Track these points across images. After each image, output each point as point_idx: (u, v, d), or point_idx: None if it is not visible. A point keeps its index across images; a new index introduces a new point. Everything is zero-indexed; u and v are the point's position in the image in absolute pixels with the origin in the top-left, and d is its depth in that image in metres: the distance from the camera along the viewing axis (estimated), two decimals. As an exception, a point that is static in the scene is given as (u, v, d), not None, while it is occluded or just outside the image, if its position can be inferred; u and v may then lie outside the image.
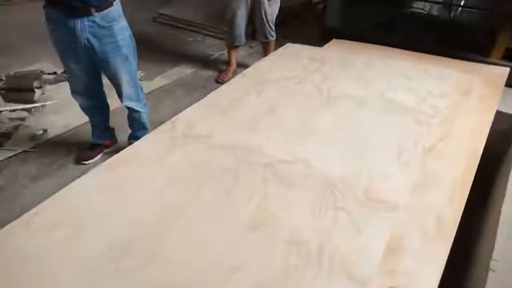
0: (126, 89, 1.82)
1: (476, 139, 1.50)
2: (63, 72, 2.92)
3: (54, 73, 2.92)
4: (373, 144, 1.42)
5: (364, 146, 1.42)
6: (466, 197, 1.23)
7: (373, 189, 1.21)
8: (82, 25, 1.61)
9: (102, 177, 1.29)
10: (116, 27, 1.66)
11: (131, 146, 1.47)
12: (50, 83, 2.80)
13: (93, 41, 1.66)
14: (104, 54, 1.70)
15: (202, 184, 1.23)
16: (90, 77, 1.83)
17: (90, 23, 1.62)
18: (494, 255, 1.34)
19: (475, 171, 1.35)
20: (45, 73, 2.86)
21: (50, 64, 3.04)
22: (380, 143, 1.43)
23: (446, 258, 1.02)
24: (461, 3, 3.80)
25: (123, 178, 1.27)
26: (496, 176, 1.83)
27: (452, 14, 3.80)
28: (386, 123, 1.55)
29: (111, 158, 1.40)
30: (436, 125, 1.54)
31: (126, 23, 1.74)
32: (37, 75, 2.69)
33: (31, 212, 1.16)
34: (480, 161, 2.03)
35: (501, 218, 1.50)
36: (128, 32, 1.75)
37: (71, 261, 0.98)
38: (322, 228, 1.07)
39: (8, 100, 2.52)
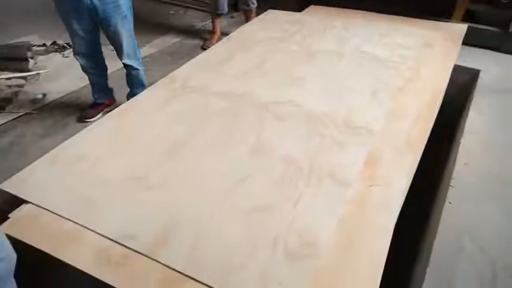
0: (126, 47, 1.97)
1: (438, 80, 1.75)
2: (53, 43, 3.01)
3: (44, 45, 3.00)
4: (350, 86, 1.65)
5: (342, 88, 1.64)
6: (431, 122, 1.46)
7: (351, 119, 1.44)
8: (86, -14, 1.74)
9: (114, 121, 1.46)
10: (116, -12, 1.80)
11: (135, 97, 1.63)
12: (41, 54, 2.89)
13: (96, 1, 1.79)
14: (106, 14, 1.84)
15: (205, 123, 1.42)
16: (91, 37, 1.97)
17: (94, -16, 1.75)
18: (453, 175, 1.61)
19: (438, 103, 1.60)
20: (35, 45, 2.93)
21: (37, 37, 3.12)
22: (356, 86, 1.65)
23: (414, 165, 1.25)
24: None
25: (133, 121, 1.45)
26: (459, 119, 2.10)
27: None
28: (361, 70, 1.78)
29: (120, 106, 1.56)
30: (404, 70, 1.78)
31: None
32: (29, 46, 2.77)
33: (53, 151, 1.31)
34: (446, 107, 2.31)
35: (460, 150, 1.78)
36: (127, -7, 1.89)
37: (98, 181, 1.16)
38: (311, 149, 1.29)
39: (2, 69, 2.61)
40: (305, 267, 0.92)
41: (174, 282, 0.89)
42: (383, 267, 0.94)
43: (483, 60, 2.62)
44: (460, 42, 2.18)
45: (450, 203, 1.52)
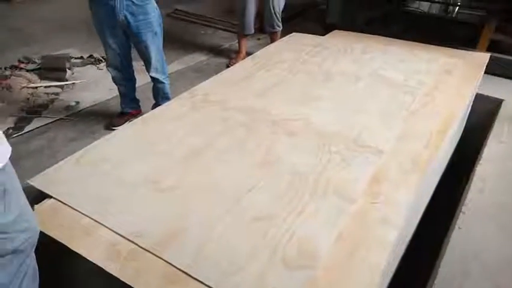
0: (154, 61, 2.11)
1: (453, 107, 1.75)
2: (89, 56, 3.23)
3: (81, 57, 3.21)
4: (364, 108, 1.68)
5: (355, 109, 1.68)
6: (440, 146, 1.47)
7: (362, 139, 1.47)
8: (121, 4, 1.91)
9: (137, 128, 1.56)
10: (148, 6, 1.97)
11: (159, 107, 1.74)
12: (78, 66, 3.10)
13: (130, 17, 1.96)
14: (138, 29, 2.00)
15: (220, 134, 1.49)
16: (124, 51, 2.13)
17: (128, 2, 1.93)
18: (466, 201, 1.61)
19: (452, 129, 1.61)
20: (73, 57, 3.15)
21: (75, 50, 3.36)
22: (370, 107, 1.69)
23: (418, 185, 1.26)
24: (459, 3, 4.04)
25: (154, 129, 1.54)
26: (480, 147, 2.09)
27: (449, 13, 4.05)
28: (377, 93, 1.81)
29: (144, 115, 1.67)
30: (419, 95, 1.80)
31: (155, 4, 2.04)
32: (67, 58, 2.98)
33: (79, 152, 1.41)
34: (469, 135, 2.30)
35: (475, 177, 1.77)
36: (157, 11, 2.05)
37: (116, 182, 1.24)
38: (319, 165, 1.33)
39: (42, 78, 2.82)
40: (302, 276, 0.95)
41: (176, 280, 0.94)
42: (379, 279, 0.96)
43: (507, 90, 2.60)
44: (482, 71, 2.18)
45: (460, 228, 1.51)
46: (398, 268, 1.47)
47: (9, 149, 0.80)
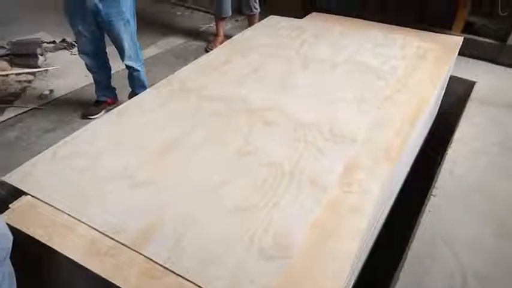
0: (127, 49, 2.07)
1: (425, 91, 1.79)
2: (62, 41, 3.13)
3: (53, 42, 3.11)
4: (339, 95, 1.71)
5: (331, 97, 1.70)
6: (411, 134, 1.52)
7: (337, 128, 1.50)
8: (91, -9, 1.85)
9: (112, 120, 1.54)
10: (119, -6, 1.91)
11: (135, 96, 1.72)
12: (50, 51, 3.00)
13: (100, 5, 1.91)
14: (109, 17, 1.95)
15: (197, 125, 1.49)
16: (95, 38, 2.08)
17: (98, -11, 1.86)
18: (437, 184, 1.67)
19: (422, 114, 1.65)
20: (45, 42, 3.05)
21: (46, 34, 3.23)
22: (345, 95, 1.71)
23: (391, 173, 1.31)
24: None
25: (131, 120, 1.53)
26: (454, 129, 2.16)
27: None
28: (352, 80, 1.83)
29: (120, 106, 1.65)
30: (393, 80, 1.83)
31: None
32: (39, 43, 2.88)
33: (54, 146, 1.40)
34: (443, 117, 2.36)
35: (445, 159, 1.83)
36: (129, -2, 1.99)
37: (92, 177, 1.24)
38: (294, 154, 1.36)
39: (13, 65, 2.73)
40: (277, 267, 0.99)
41: (155, 274, 0.97)
42: (350, 267, 1.01)
43: (480, 72, 2.67)
44: (455, 54, 2.22)
45: (430, 211, 1.58)
46: (371, 254, 1.54)
47: None
